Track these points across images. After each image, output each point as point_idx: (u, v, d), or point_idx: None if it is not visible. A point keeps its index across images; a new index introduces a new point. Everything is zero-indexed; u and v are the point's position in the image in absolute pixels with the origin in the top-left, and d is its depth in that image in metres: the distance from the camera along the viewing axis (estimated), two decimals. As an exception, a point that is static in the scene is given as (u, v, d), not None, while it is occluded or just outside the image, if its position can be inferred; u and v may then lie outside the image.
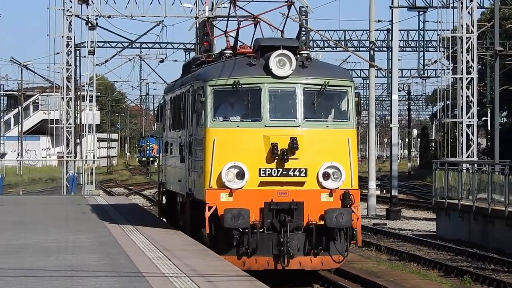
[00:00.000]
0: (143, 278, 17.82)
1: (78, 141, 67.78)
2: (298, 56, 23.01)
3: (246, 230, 21.53)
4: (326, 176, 22.17)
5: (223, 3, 37.93)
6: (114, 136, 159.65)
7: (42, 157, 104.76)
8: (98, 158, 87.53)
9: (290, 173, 22.09)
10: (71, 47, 64.49)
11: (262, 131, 22.24)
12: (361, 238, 25.19)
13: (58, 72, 66.62)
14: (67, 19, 62.88)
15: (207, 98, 22.64)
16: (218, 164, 22.04)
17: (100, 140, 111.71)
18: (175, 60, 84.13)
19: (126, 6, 61.99)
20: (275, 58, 22.17)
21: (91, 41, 64.74)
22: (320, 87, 22.79)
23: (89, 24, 63.13)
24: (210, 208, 21.76)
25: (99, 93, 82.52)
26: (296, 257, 21.68)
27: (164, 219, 33.17)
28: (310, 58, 23.93)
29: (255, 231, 21.52)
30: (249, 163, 22.09)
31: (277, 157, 21.82)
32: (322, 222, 21.74)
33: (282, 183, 22.12)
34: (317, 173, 22.18)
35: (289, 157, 21.82)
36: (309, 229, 21.87)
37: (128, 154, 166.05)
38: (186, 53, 73.17)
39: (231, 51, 25.50)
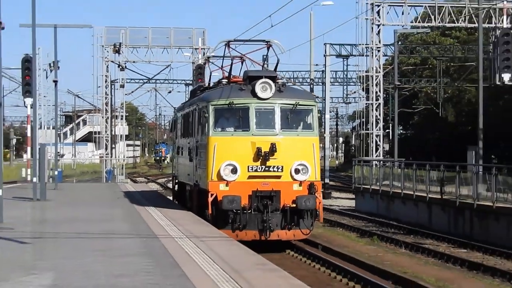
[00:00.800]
0: (157, 238, 17.82)
1: (113, 146, 67.28)
2: (276, 83, 21.96)
3: (239, 211, 20.54)
4: (297, 171, 21.11)
5: (213, 53, 36.92)
6: (138, 142, 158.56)
7: (89, 157, 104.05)
8: (126, 157, 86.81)
9: (271, 169, 21.03)
10: (108, 82, 64.03)
11: (250, 139, 21.16)
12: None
13: (100, 100, 66.14)
14: (105, 64, 62.37)
15: (210, 114, 21.62)
16: (218, 162, 20.95)
17: (128, 145, 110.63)
18: (179, 91, 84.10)
19: (145, 54, 61.53)
20: (259, 85, 21.17)
21: (121, 79, 64.32)
22: (292, 106, 21.72)
23: (120, 67, 62.67)
24: (212, 195, 20.79)
25: (127, 114, 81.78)
26: (275, 231, 20.85)
27: (176, 202, 31.55)
28: (285, 85, 23.16)
29: (245, 211, 20.61)
30: (241, 162, 21.00)
31: (261, 158, 20.84)
32: (294, 205, 20.76)
33: (265, 176, 21.00)
34: (290, 169, 21.11)
35: (270, 158, 20.86)
36: (285, 210, 20.94)
37: (147, 155, 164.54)
38: (186, 86, 72.52)
39: (226, 80, 24.36)
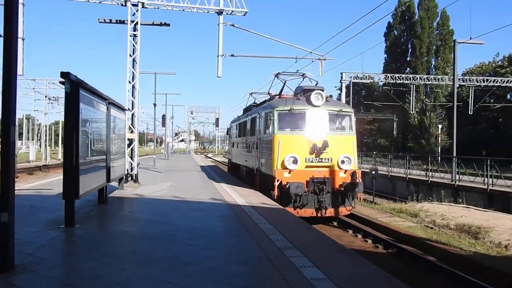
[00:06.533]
0: (211, 182, 19.54)
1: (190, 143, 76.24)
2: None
3: (300, 194, 15.10)
4: (342, 162, 15.80)
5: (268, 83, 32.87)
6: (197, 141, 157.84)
7: (182, 147, 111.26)
8: (194, 147, 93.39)
9: (323, 161, 15.79)
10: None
11: (307, 137, 15.93)
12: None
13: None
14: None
15: (274, 117, 16.18)
16: (282, 155, 15.63)
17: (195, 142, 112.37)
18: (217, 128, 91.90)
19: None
20: (314, 95, 16.18)
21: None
22: (337, 112, 16.41)
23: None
24: (277, 180, 15.42)
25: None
26: (328, 209, 15.55)
27: (229, 173, 26.77)
28: (331, 96, 17.68)
29: (304, 193, 15.31)
30: (300, 154, 15.66)
31: (315, 151, 15.69)
32: (342, 189, 15.62)
33: (319, 166, 15.73)
34: (337, 160, 15.80)
35: (322, 151, 15.74)
36: (334, 193, 15.64)
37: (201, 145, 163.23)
38: (215, 126, 74.39)
39: (279, 96, 19.22)
